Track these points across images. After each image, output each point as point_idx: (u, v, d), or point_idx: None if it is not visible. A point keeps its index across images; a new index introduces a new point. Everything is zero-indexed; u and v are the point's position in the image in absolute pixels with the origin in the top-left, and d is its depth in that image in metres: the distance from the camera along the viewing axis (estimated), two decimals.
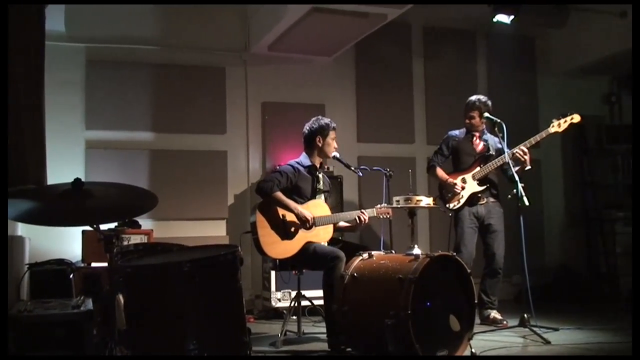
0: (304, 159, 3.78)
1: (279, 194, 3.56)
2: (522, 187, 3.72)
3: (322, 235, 3.62)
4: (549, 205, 5.89)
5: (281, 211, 3.56)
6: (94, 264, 3.82)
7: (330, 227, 3.67)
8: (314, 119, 3.79)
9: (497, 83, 5.87)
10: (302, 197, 3.67)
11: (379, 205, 3.65)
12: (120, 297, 2.22)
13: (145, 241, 4.12)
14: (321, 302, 3.91)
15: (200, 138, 5.10)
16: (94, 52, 4.81)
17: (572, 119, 3.98)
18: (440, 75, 5.78)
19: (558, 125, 3.95)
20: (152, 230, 4.27)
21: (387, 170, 3.74)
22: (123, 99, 4.90)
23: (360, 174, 3.84)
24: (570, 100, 5.77)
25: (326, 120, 3.75)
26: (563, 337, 3.60)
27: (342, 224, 3.75)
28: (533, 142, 4.00)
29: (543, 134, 3.99)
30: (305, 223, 3.54)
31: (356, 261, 3.25)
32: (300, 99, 5.34)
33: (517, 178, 3.73)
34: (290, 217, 3.57)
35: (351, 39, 5.01)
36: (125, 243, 3.74)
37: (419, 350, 2.76)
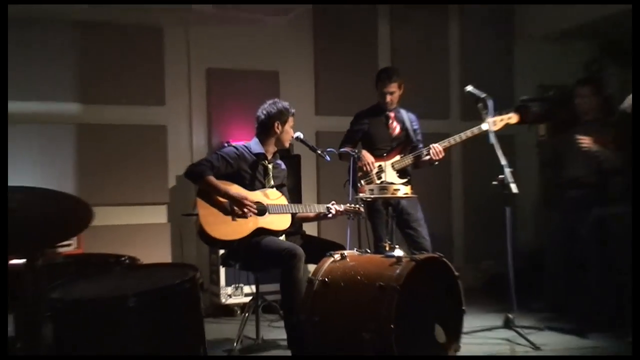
0: (254, 144, 4.30)
1: (211, 179, 4.01)
2: (511, 171, 4.40)
3: (276, 223, 4.16)
4: (523, 184, 6.71)
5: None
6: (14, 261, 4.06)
7: (288, 217, 4.23)
8: (270, 101, 4.32)
9: (470, 48, 7.07)
10: (245, 186, 4.16)
11: (349, 204, 4.29)
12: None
13: (75, 246, 4.63)
14: (276, 296, 4.72)
15: (136, 110, 5.78)
16: (9, 9, 5.24)
17: (509, 118, 4.73)
18: (408, 40, 6.78)
19: (493, 123, 4.57)
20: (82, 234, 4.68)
21: (354, 151, 4.63)
22: (45, 64, 5.45)
23: (328, 159, 4.41)
24: (549, 68, 7.10)
25: (285, 104, 4.30)
26: (551, 339, 4.41)
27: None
28: (460, 139, 4.76)
29: (475, 130, 4.69)
30: (242, 207, 3.99)
31: (327, 263, 3.60)
32: (250, 65, 6.12)
33: (503, 162, 4.41)
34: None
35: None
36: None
37: None
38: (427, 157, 4.80)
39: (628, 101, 4.36)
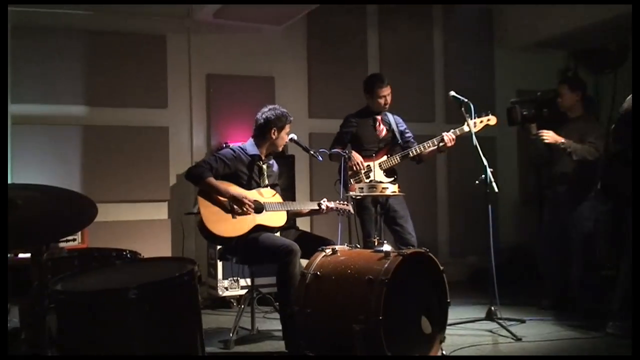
0: (250, 146, 4.25)
1: (211, 180, 4.00)
2: (492, 172, 4.45)
3: (274, 221, 4.14)
4: (503, 183, 6.71)
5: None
6: (21, 255, 3.80)
7: (284, 214, 4.21)
8: (270, 107, 4.27)
9: (453, 56, 7.05)
10: (242, 186, 4.13)
11: (339, 202, 4.31)
12: None
13: (79, 241, 4.61)
14: (271, 289, 4.75)
15: (139, 112, 5.73)
16: (19, 17, 5.22)
17: (488, 120, 4.74)
18: (395, 48, 6.76)
19: (474, 125, 4.63)
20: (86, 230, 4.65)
21: (345, 152, 4.58)
22: (53, 69, 5.41)
23: (320, 159, 4.40)
24: (526, 74, 7.14)
25: (284, 111, 4.24)
26: (532, 330, 4.37)
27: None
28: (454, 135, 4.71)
29: (457, 131, 4.71)
30: (242, 205, 3.99)
31: (319, 258, 3.59)
32: (248, 71, 6.09)
33: (485, 163, 4.47)
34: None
35: (303, 6, 5.74)
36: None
37: None
38: (441, 144, 4.73)
39: (628, 102, 4.32)
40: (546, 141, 4.84)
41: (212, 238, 4.09)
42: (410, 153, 4.85)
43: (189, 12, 5.87)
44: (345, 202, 4.33)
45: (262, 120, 4.24)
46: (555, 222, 5.09)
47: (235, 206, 4.02)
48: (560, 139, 4.83)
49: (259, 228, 4.09)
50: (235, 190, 4.06)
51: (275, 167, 4.48)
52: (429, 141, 4.81)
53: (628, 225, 4.20)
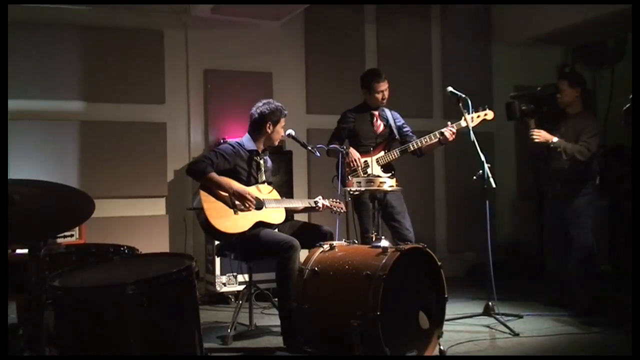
0: (247, 141, 4.27)
1: (213, 175, 4.00)
2: (489, 167, 4.46)
3: (274, 217, 4.18)
4: (501, 179, 6.69)
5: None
6: (18, 251, 3.78)
7: (282, 211, 4.25)
8: (264, 101, 4.27)
9: (451, 52, 7.05)
10: (241, 182, 4.13)
11: (333, 199, 4.38)
12: None
13: (76, 237, 4.58)
14: (269, 285, 4.77)
15: (137, 108, 5.72)
16: (16, 12, 5.12)
17: (485, 114, 4.72)
18: (393, 43, 6.75)
19: (471, 120, 4.61)
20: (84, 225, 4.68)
21: (343, 148, 4.58)
22: (50, 64, 5.41)
23: (318, 155, 4.38)
24: (524, 70, 7.12)
25: (278, 105, 4.25)
26: (529, 325, 4.38)
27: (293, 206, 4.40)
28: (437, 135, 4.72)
29: (454, 126, 4.70)
30: (245, 201, 4.02)
31: (316, 254, 3.59)
32: (245, 67, 6.08)
33: (483, 158, 4.46)
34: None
35: (295, 5, 5.75)
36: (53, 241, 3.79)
37: (387, 353, 3.13)
38: (442, 138, 4.70)
39: None
40: (536, 140, 4.85)
41: (214, 233, 4.08)
42: (409, 147, 4.85)
43: (187, 8, 5.85)
44: (339, 201, 4.35)
45: (256, 115, 4.24)
46: (555, 218, 5.09)
47: (237, 202, 4.04)
48: (552, 138, 4.83)
49: (259, 224, 4.11)
50: (238, 185, 4.08)
51: (270, 163, 4.48)
52: (429, 135, 4.79)
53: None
